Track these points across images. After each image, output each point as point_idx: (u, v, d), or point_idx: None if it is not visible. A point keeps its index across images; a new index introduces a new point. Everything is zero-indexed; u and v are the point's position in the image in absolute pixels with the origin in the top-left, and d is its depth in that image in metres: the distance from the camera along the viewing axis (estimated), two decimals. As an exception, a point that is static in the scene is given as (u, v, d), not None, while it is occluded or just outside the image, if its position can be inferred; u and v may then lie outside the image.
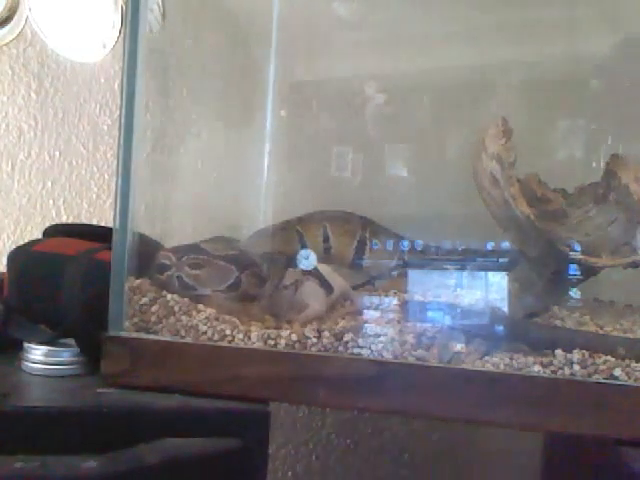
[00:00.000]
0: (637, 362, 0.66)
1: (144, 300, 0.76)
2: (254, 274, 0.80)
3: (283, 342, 0.72)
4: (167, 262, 0.79)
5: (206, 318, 0.75)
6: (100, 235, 0.86)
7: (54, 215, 1.18)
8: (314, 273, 0.84)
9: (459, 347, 0.69)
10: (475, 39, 1.03)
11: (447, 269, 0.84)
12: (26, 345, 0.78)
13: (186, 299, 0.77)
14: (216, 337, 0.73)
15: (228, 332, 0.73)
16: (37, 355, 0.77)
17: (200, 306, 0.76)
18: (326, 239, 0.98)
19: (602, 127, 0.99)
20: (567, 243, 0.74)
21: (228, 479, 0.68)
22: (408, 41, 1.04)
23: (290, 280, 0.81)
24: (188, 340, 0.74)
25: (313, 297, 0.81)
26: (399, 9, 1.05)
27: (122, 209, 0.75)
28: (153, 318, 0.75)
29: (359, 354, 0.70)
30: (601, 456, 0.72)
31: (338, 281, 0.89)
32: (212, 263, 0.79)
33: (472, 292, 0.78)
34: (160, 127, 1.00)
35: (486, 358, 0.68)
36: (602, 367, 0.65)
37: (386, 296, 0.83)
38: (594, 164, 0.94)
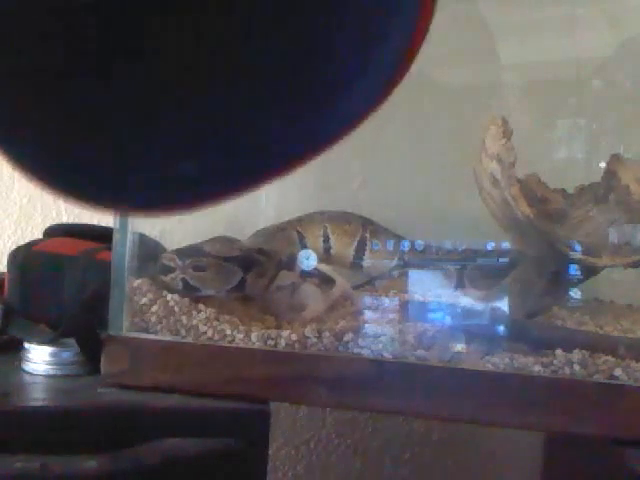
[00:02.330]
0: (637, 362, 0.66)
1: (144, 300, 0.76)
2: (259, 274, 0.80)
3: (283, 342, 0.72)
4: (171, 264, 0.79)
5: (206, 318, 0.75)
6: (100, 235, 0.86)
7: (55, 215, 1.18)
8: (313, 272, 0.84)
9: (459, 347, 0.69)
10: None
11: (447, 269, 0.85)
12: (26, 345, 0.78)
13: (186, 299, 0.77)
14: (216, 337, 0.73)
15: (228, 332, 0.73)
16: (37, 355, 0.77)
17: (200, 306, 0.76)
18: (326, 239, 0.98)
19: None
20: (567, 243, 0.74)
21: (228, 479, 0.68)
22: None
23: (286, 281, 0.81)
24: (188, 340, 0.74)
25: (311, 298, 0.81)
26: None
27: (122, 209, 0.75)
28: (153, 318, 0.75)
29: (359, 354, 0.70)
30: (601, 456, 0.72)
31: (338, 281, 0.89)
32: (217, 265, 0.79)
33: (472, 292, 0.78)
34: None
35: (486, 358, 0.68)
36: (602, 367, 0.65)
37: (386, 296, 0.83)
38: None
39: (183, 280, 0.78)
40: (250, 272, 0.79)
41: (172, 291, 0.78)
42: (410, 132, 1.10)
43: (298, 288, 0.82)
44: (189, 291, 0.78)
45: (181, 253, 0.80)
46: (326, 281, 0.84)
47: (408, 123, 1.10)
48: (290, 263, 0.84)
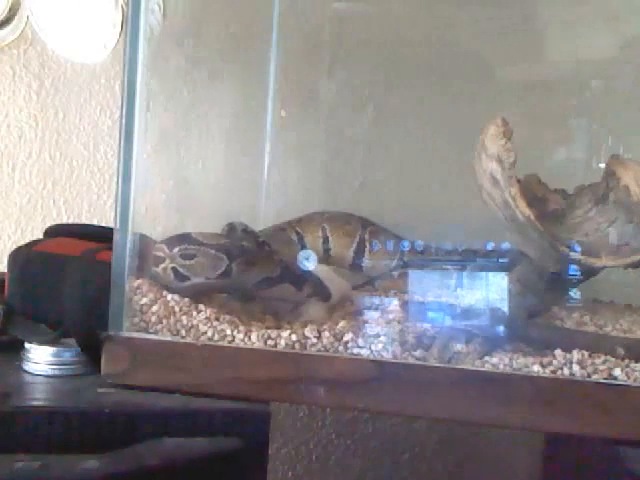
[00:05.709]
0: (637, 362, 0.66)
1: (144, 300, 0.76)
2: (246, 262, 0.80)
3: (283, 342, 0.72)
4: (161, 254, 0.79)
5: (206, 318, 0.75)
6: (101, 235, 0.86)
7: (55, 215, 1.18)
8: (313, 279, 0.84)
9: (459, 347, 0.69)
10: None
11: (447, 269, 0.85)
12: (27, 345, 0.78)
13: (186, 299, 0.77)
14: (216, 337, 0.73)
15: (228, 332, 0.73)
16: (38, 355, 0.77)
17: (200, 306, 0.76)
18: (325, 240, 0.98)
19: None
20: (567, 243, 0.74)
21: (228, 479, 0.68)
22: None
23: (284, 294, 0.82)
24: (188, 340, 0.74)
25: (314, 314, 0.81)
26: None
27: (123, 209, 0.76)
28: (153, 318, 0.75)
29: (359, 354, 0.70)
30: (601, 456, 0.72)
31: (338, 282, 0.89)
32: (204, 252, 0.79)
33: (472, 292, 0.78)
34: (160, 128, 1.01)
35: (486, 358, 0.68)
36: (602, 367, 0.65)
37: (386, 296, 0.83)
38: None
39: (173, 269, 0.78)
40: (236, 260, 0.79)
41: (165, 281, 0.78)
42: (411, 132, 1.10)
43: (301, 306, 0.82)
44: (181, 280, 0.78)
45: (170, 242, 0.80)
46: (322, 291, 0.84)
47: (409, 123, 1.10)
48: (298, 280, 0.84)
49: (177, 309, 0.76)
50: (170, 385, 0.72)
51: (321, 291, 0.84)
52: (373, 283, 0.93)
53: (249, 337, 0.73)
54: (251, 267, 0.80)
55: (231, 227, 0.86)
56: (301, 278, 0.84)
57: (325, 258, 0.97)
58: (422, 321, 0.74)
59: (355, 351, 0.71)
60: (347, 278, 0.92)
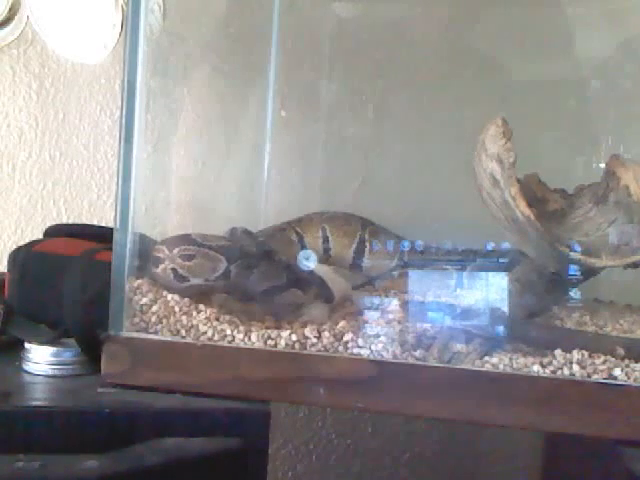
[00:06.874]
0: (637, 362, 0.66)
1: (144, 300, 0.76)
2: (245, 266, 0.80)
3: (283, 342, 0.72)
4: (161, 255, 0.79)
5: (206, 318, 0.75)
6: (101, 235, 0.86)
7: (55, 215, 1.18)
8: (316, 281, 0.84)
9: (459, 347, 0.69)
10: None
11: (447, 269, 0.85)
12: (27, 345, 0.78)
13: (186, 299, 0.77)
14: (216, 337, 0.73)
15: (228, 332, 0.73)
16: (38, 355, 0.77)
17: (200, 306, 0.76)
18: (325, 240, 0.98)
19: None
20: (567, 243, 0.74)
21: (228, 479, 0.68)
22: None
23: (292, 299, 0.82)
24: (188, 340, 0.74)
25: (318, 315, 0.81)
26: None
27: (123, 209, 0.76)
28: (153, 318, 0.75)
29: (359, 354, 0.70)
30: (601, 456, 0.72)
31: (338, 282, 0.89)
32: (202, 253, 0.79)
33: (472, 292, 0.78)
34: (160, 128, 1.01)
35: (486, 358, 0.68)
36: (601, 367, 0.65)
37: (386, 296, 0.83)
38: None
39: (173, 270, 0.79)
40: (235, 262, 0.79)
41: (165, 282, 0.78)
42: (410, 132, 1.10)
43: (304, 307, 0.82)
44: (180, 281, 0.78)
45: (170, 243, 0.80)
46: (326, 293, 0.84)
47: (408, 123, 1.10)
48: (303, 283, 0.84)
49: (177, 309, 0.76)
50: (170, 385, 0.72)
51: (324, 293, 0.84)
52: (373, 283, 0.93)
53: (249, 337, 0.73)
54: (250, 270, 0.81)
55: (233, 231, 0.87)
56: (306, 281, 0.84)
57: (325, 258, 0.97)
58: (422, 321, 0.74)
59: (355, 351, 0.71)
60: (347, 278, 0.92)
